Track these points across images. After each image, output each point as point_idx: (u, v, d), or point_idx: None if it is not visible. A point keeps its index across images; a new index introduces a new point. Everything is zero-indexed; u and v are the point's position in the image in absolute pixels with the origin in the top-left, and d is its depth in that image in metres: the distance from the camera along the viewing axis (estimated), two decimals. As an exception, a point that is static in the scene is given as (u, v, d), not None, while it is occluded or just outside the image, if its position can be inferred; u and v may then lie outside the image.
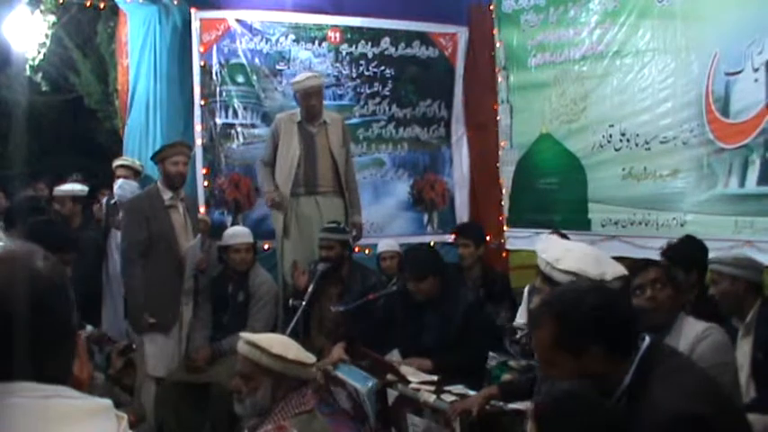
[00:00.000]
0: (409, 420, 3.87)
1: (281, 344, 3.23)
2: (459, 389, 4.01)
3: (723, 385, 2.83)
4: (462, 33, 8.40)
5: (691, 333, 3.41)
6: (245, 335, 3.29)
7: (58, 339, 1.21)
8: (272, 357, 3.13)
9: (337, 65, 7.95)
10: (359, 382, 4.12)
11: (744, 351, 3.92)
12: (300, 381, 3.20)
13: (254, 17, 7.63)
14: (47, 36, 9.74)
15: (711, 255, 4.66)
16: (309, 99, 6.60)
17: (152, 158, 6.25)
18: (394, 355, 4.85)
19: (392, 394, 3.97)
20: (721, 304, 4.10)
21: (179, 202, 6.06)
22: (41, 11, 9.46)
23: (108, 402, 1.22)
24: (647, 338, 2.51)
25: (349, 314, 5.45)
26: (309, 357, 3.25)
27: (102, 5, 9.41)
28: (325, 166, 6.67)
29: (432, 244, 7.76)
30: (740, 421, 2.49)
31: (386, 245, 6.98)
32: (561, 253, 3.21)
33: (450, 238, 7.97)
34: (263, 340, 3.21)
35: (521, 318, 5.46)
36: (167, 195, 5.99)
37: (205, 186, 7.43)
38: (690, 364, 2.63)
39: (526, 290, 5.57)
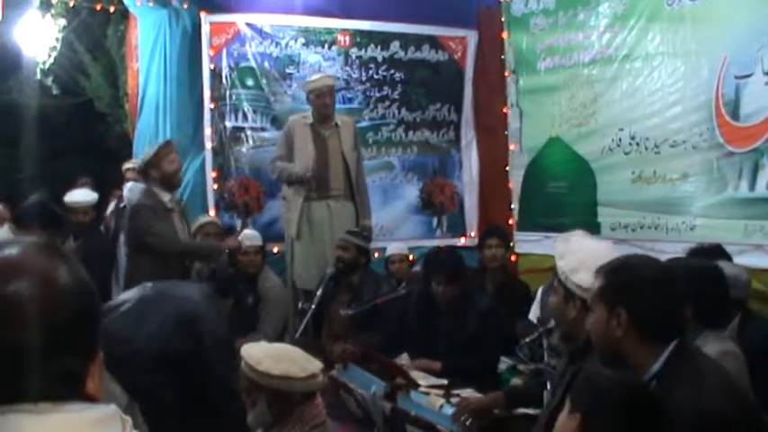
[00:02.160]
0: (409, 430, 3.87)
1: (273, 357, 3.10)
2: (467, 392, 4.01)
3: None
4: (472, 37, 8.40)
5: (709, 354, 3.34)
6: (242, 349, 3.19)
7: (72, 360, 1.16)
8: (258, 374, 3.04)
9: (347, 68, 7.96)
10: (364, 388, 4.12)
11: None
12: (302, 394, 3.11)
13: (264, 21, 7.64)
14: (57, 40, 9.77)
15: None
16: (323, 98, 6.65)
17: (144, 166, 6.13)
18: (403, 359, 4.85)
19: (387, 407, 3.96)
20: None
21: (175, 204, 6.05)
22: (52, 15, 9.49)
23: (113, 408, 1.18)
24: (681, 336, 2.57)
25: (358, 318, 5.45)
26: (305, 370, 3.10)
27: (112, 9, 9.45)
28: (337, 170, 6.68)
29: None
30: (762, 423, 2.50)
31: (395, 248, 6.97)
32: (578, 263, 3.20)
33: (460, 241, 7.99)
34: (253, 355, 3.10)
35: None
36: (166, 198, 5.96)
37: (215, 189, 7.45)
38: (716, 366, 2.66)
39: (540, 291, 5.56)
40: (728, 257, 4.74)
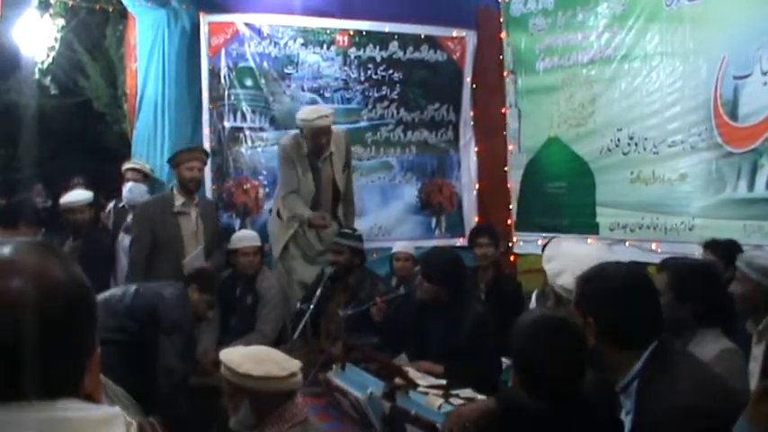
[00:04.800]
0: (408, 430, 3.86)
1: (253, 360, 3.12)
2: (467, 393, 4.00)
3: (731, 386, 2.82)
4: (470, 37, 8.40)
5: (706, 354, 3.33)
6: (221, 354, 3.21)
7: (68, 358, 1.15)
8: (240, 376, 3.06)
9: (345, 68, 7.96)
10: (358, 389, 4.11)
11: (756, 357, 3.88)
12: (284, 393, 3.12)
13: (263, 21, 7.64)
14: (56, 40, 9.79)
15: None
16: (318, 138, 6.37)
17: (168, 161, 6.29)
18: (401, 360, 4.84)
19: (386, 405, 3.96)
20: (738, 304, 4.07)
21: (192, 207, 6.09)
22: (50, 14, 9.51)
23: (117, 410, 1.18)
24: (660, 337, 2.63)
25: (355, 318, 5.44)
26: (285, 369, 3.11)
27: (110, 9, 9.46)
28: (327, 199, 6.60)
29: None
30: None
31: (401, 246, 6.90)
32: (561, 267, 3.24)
33: (459, 241, 7.98)
34: (232, 359, 3.11)
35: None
36: (179, 201, 6.03)
37: (213, 189, 7.44)
38: (697, 362, 2.72)
39: (534, 294, 5.56)
40: (741, 252, 4.74)
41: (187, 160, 6.07)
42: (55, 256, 1.20)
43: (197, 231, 6.11)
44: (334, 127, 6.60)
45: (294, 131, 6.70)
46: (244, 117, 7.55)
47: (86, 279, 1.21)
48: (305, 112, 6.46)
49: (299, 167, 6.49)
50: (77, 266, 1.21)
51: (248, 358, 3.13)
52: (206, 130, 7.42)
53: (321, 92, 7.83)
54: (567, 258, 3.36)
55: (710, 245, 4.87)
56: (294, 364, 3.18)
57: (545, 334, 2.56)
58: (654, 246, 6.36)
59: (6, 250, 1.16)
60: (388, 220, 8.07)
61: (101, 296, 4.72)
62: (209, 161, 7.35)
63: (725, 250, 4.74)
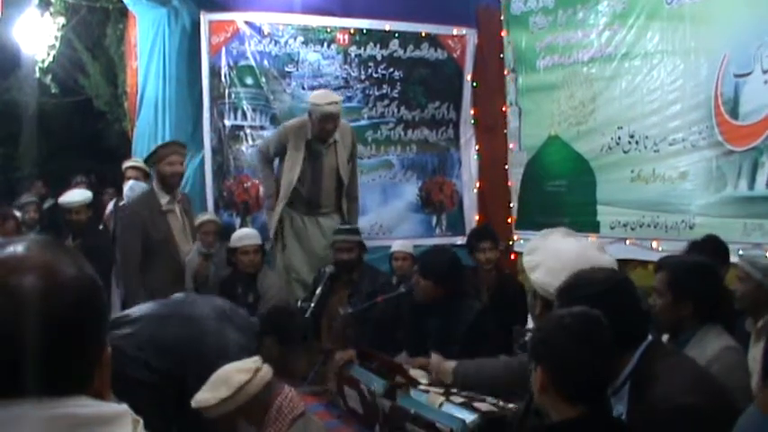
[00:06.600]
0: (408, 428, 3.87)
1: (217, 386, 3.14)
2: (467, 391, 4.00)
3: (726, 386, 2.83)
4: (471, 35, 8.40)
5: (708, 351, 3.32)
6: (192, 403, 3.18)
7: (79, 355, 1.15)
8: (218, 405, 3.08)
9: (346, 67, 7.96)
10: (372, 383, 4.12)
11: (754, 356, 3.88)
12: (265, 389, 3.16)
13: (263, 19, 7.64)
14: (56, 38, 9.79)
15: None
16: (326, 123, 6.36)
17: (145, 161, 6.22)
18: (402, 358, 4.84)
19: (386, 404, 3.96)
20: (738, 303, 4.07)
21: (176, 204, 6.07)
22: (51, 13, 9.51)
23: (124, 407, 1.18)
24: (650, 337, 2.66)
25: (357, 316, 5.44)
26: (249, 370, 3.15)
27: (111, 7, 9.46)
28: (330, 188, 6.59)
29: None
30: (735, 412, 2.53)
31: (400, 245, 6.90)
32: (538, 261, 3.24)
33: (459, 240, 7.97)
34: (201, 399, 3.13)
35: (531, 321, 5.42)
36: (164, 200, 5.98)
37: (214, 188, 7.44)
38: (688, 361, 2.75)
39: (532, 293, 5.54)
40: (726, 249, 4.75)
41: (166, 155, 6.00)
42: (66, 253, 1.20)
43: (184, 227, 6.11)
44: (341, 120, 6.62)
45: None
46: (244, 115, 7.55)
47: (97, 277, 1.21)
48: (316, 96, 6.50)
49: (292, 149, 6.48)
50: (88, 264, 1.21)
51: (212, 388, 3.15)
52: (206, 129, 7.41)
53: (321, 90, 7.82)
54: (546, 252, 3.33)
55: (700, 244, 4.83)
56: (251, 362, 3.23)
57: (586, 333, 2.36)
58: (654, 244, 6.35)
59: (18, 247, 1.16)
60: (389, 218, 8.08)
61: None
62: (210, 160, 7.39)
63: (713, 249, 4.73)
